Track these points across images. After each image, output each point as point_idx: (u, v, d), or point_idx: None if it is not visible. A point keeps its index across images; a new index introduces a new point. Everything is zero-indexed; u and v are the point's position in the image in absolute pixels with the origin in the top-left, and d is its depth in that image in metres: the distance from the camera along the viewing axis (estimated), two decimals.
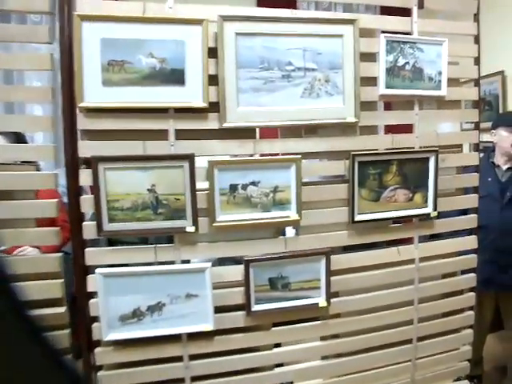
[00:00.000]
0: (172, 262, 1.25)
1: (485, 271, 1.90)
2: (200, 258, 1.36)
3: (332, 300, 1.39)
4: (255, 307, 1.32)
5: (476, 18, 1.50)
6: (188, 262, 1.30)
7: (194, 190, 1.24)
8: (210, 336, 1.30)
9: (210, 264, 1.26)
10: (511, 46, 3.05)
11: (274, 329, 1.38)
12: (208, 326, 1.26)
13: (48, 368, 0.31)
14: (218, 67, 1.24)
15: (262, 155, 1.34)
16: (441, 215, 1.50)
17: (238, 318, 1.32)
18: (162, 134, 1.23)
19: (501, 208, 1.94)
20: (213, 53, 1.23)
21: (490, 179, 1.98)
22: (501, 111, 3.12)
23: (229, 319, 1.32)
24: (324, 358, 1.48)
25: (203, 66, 1.23)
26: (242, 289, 1.30)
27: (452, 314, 1.59)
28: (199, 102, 1.23)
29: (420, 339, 1.56)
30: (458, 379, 1.69)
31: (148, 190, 1.21)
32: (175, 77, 1.21)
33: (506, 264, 1.92)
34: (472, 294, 1.59)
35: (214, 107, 1.24)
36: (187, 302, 1.25)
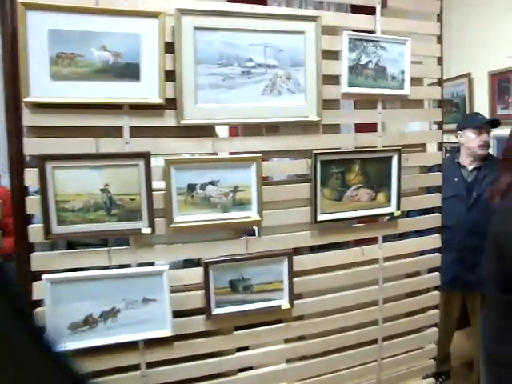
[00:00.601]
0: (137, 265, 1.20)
1: (452, 271, 1.94)
2: (165, 260, 1.32)
3: (295, 302, 1.37)
4: (216, 311, 1.28)
5: (439, 18, 1.51)
6: (152, 264, 1.26)
7: (149, 189, 1.19)
8: (169, 342, 1.26)
9: (167, 267, 1.21)
10: (478, 49, 3.12)
11: (236, 333, 1.35)
12: (166, 332, 1.22)
13: (49, 368, 0.31)
14: (175, 62, 1.20)
15: (231, 153, 1.30)
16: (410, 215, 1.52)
17: (197, 323, 1.29)
18: (116, 132, 1.18)
19: (467, 208, 1.98)
20: (170, 47, 1.19)
21: (456, 179, 2.01)
22: (467, 112, 3.19)
23: (188, 324, 1.28)
24: (289, 361, 1.46)
25: (159, 61, 1.18)
26: (202, 292, 1.27)
27: (417, 313, 1.60)
28: (155, 99, 1.19)
29: (385, 339, 1.56)
30: (427, 376, 1.70)
31: (101, 189, 1.16)
32: (130, 72, 1.17)
33: (473, 263, 1.95)
34: (436, 292, 1.61)
35: (171, 104, 1.21)
36: (144, 306, 1.21)
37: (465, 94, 3.24)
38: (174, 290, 1.23)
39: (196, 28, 1.21)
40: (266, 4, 3.16)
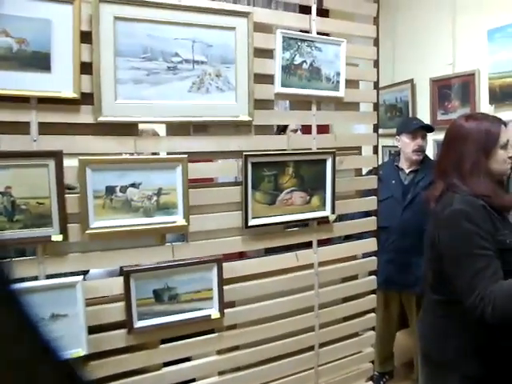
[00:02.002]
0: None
1: (386, 271, 1.98)
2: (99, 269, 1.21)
3: (227, 310, 1.32)
4: (138, 323, 1.20)
5: (376, 21, 1.53)
6: (66, 275, 1.15)
7: (61, 192, 1.10)
8: (84, 362, 1.16)
9: (81, 278, 1.12)
10: (420, 55, 3.25)
11: (162, 346, 1.27)
12: (79, 352, 1.12)
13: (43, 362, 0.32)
14: (92, 54, 1.11)
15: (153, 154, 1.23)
16: (348, 217, 1.52)
17: (118, 338, 1.20)
18: (21, 128, 1.07)
19: (402, 209, 2.04)
20: (87, 37, 1.11)
21: (393, 181, 2.06)
22: (404, 118, 3.31)
23: (107, 340, 1.19)
24: (221, 373, 1.41)
25: (74, 52, 1.10)
26: (123, 304, 1.18)
27: (354, 318, 1.61)
28: (69, 92, 1.10)
29: (322, 345, 1.55)
30: (372, 378, 1.71)
31: (1, 193, 1.04)
32: (38, 61, 1.07)
33: (406, 264, 2.00)
34: (373, 296, 1.62)
35: (88, 99, 1.12)
36: (52, 324, 1.10)
37: (408, 99, 3.37)
38: (90, 303, 1.14)
39: (116, 18, 1.13)
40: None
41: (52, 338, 0.32)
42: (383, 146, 3.69)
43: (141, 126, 1.26)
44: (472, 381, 1.21)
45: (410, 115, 3.32)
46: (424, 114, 3.14)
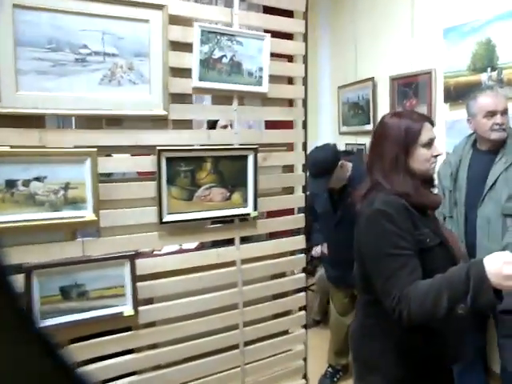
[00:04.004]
0: None
1: (334, 271, 2.05)
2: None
3: (144, 308, 1.34)
4: (43, 322, 1.20)
5: (305, 16, 1.55)
6: None
7: None
8: None
9: None
10: (381, 54, 3.32)
11: (71, 346, 1.27)
12: None
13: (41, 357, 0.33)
14: None
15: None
16: None
17: None
18: None
19: (335, 225, 2.06)
20: None
21: (326, 195, 2.09)
22: (371, 115, 3.37)
23: None
24: (140, 372, 1.42)
25: None
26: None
27: (284, 315, 1.64)
28: None
29: (251, 342, 1.57)
30: (305, 376, 1.74)
31: None
32: None
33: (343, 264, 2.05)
34: (302, 294, 1.66)
35: None
36: None
37: (369, 97, 3.43)
38: None
39: (16, 5, 1.14)
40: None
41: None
42: (346, 144, 3.76)
43: None
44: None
45: (371, 113, 3.38)
46: (384, 113, 3.19)
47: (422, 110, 3.00)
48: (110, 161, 1.28)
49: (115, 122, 1.29)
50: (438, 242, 1.22)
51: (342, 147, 3.50)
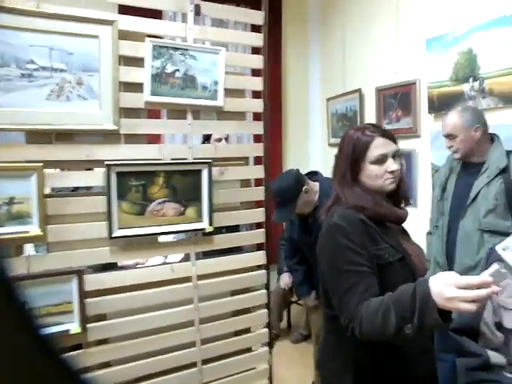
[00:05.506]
0: None
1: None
2: None
3: (95, 324, 1.34)
4: None
5: (263, 29, 1.58)
6: None
7: None
8: None
9: None
10: (367, 65, 3.37)
11: None
12: None
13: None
14: None
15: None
16: None
17: None
18: None
19: (309, 248, 2.03)
20: None
21: (298, 222, 2.08)
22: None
23: None
24: None
25: None
26: None
27: (246, 333, 1.63)
28: None
29: (211, 361, 1.57)
30: None
31: None
32: None
33: None
34: (264, 310, 1.65)
35: None
36: None
37: (357, 108, 3.45)
38: None
39: None
40: (161, 17, 3.17)
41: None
42: (335, 156, 3.76)
43: None
44: None
45: (359, 124, 3.40)
46: None
47: (407, 121, 3.03)
48: (58, 176, 1.30)
49: (67, 136, 1.32)
50: (398, 257, 1.21)
51: (331, 160, 3.51)
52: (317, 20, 4.15)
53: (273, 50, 3.94)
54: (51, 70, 1.27)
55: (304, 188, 1.93)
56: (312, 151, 4.25)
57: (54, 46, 1.27)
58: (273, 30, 3.99)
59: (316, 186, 2.02)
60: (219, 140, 2.20)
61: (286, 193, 1.87)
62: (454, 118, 2.00)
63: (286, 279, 3.12)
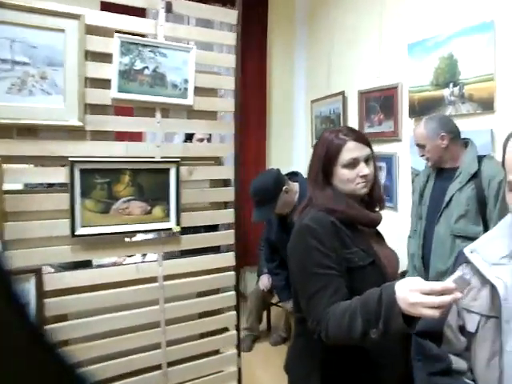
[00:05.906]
0: None
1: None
2: None
3: (53, 325, 1.31)
4: None
5: (237, 28, 1.57)
6: None
7: None
8: None
9: None
10: (351, 68, 3.38)
11: None
12: None
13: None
14: None
15: None
16: None
17: None
18: None
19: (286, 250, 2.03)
20: None
21: (276, 223, 2.07)
22: None
23: None
24: None
25: None
26: None
27: (214, 334, 1.61)
28: None
29: (176, 363, 1.55)
30: None
31: None
32: None
33: None
34: (233, 312, 1.64)
35: None
36: None
37: (340, 111, 3.46)
38: None
39: None
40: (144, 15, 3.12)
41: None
42: None
43: None
44: None
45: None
46: (353, 127, 3.22)
47: (389, 124, 3.04)
48: (18, 172, 1.28)
49: (29, 132, 1.29)
50: (369, 261, 1.20)
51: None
52: (303, 22, 4.17)
53: (258, 51, 3.95)
54: (12, 62, 1.25)
55: (284, 188, 1.92)
56: (296, 152, 4.26)
57: (15, 39, 1.25)
58: (258, 30, 4.00)
59: (296, 186, 2.02)
60: (201, 140, 2.18)
61: (265, 192, 1.86)
62: (420, 127, 2.03)
63: (265, 281, 3.11)
